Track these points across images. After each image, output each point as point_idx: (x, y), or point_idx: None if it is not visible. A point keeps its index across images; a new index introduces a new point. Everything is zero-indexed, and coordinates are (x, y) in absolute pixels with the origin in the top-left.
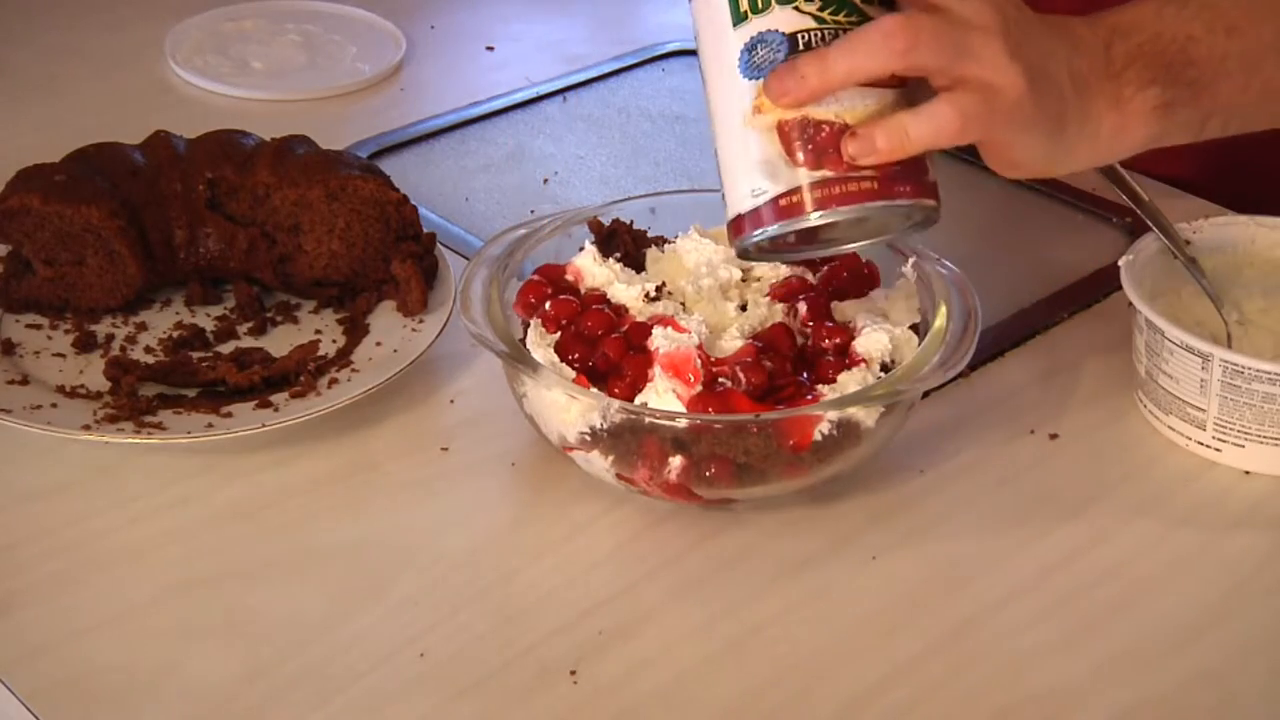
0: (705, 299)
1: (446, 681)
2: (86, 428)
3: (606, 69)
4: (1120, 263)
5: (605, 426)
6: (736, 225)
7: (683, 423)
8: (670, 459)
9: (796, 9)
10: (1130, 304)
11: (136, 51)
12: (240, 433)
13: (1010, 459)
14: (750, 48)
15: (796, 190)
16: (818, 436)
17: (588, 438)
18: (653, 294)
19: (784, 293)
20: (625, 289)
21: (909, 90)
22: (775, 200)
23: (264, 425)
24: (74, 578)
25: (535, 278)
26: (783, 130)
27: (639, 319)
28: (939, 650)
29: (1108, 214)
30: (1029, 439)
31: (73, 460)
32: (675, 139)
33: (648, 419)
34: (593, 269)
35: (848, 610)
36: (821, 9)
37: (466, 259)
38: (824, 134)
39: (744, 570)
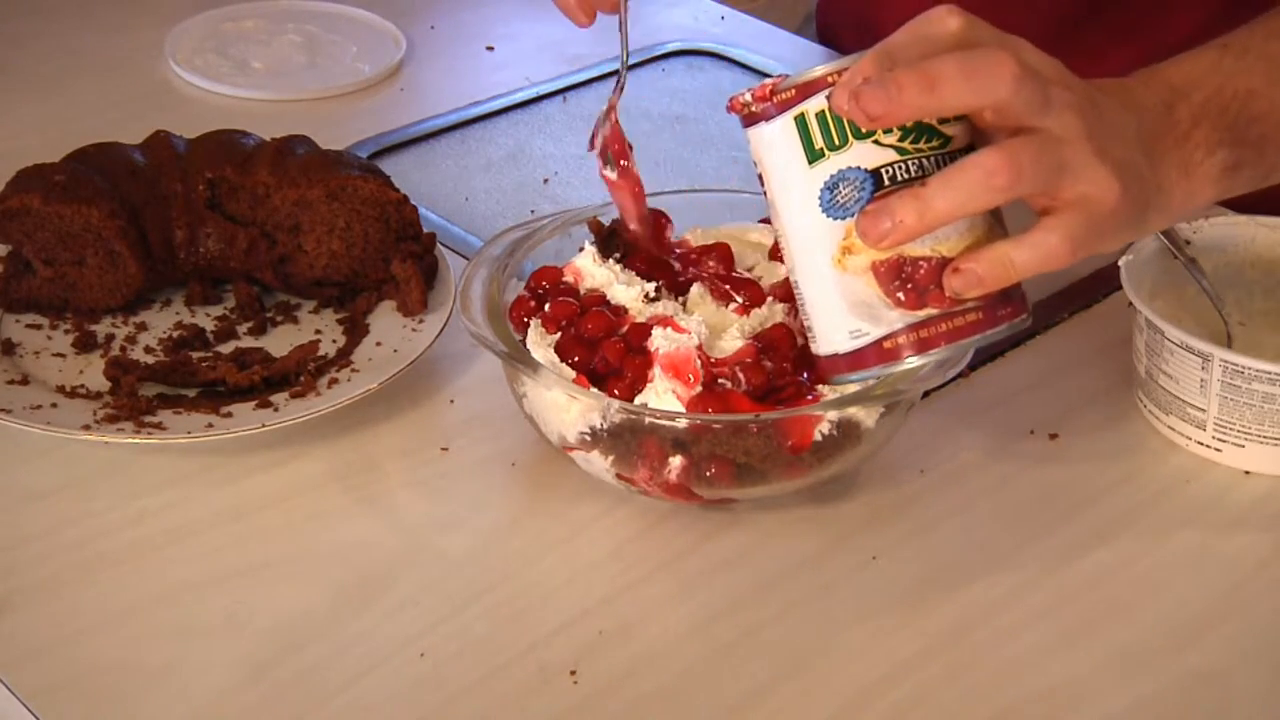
0: (705, 300)
1: (446, 681)
2: (86, 428)
3: (606, 69)
4: (1120, 263)
5: (605, 426)
6: (832, 364)
7: (683, 423)
8: (670, 459)
9: (876, 143)
10: (1130, 304)
11: (136, 51)
12: (240, 433)
13: (1010, 459)
14: (831, 187)
15: (900, 332)
16: (818, 436)
17: (588, 438)
18: (652, 294)
19: (785, 293)
20: (625, 290)
21: (996, 211)
22: (879, 343)
23: (264, 425)
24: (74, 578)
25: (524, 293)
26: (878, 271)
27: (638, 320)
28: (939, 650)
29: None
30: (1029, 439)
31: (73, 460)
32: (675, 139)
33: (648, 419)
34: (592, 269)
35: (848, 610)
36: (902, 139)
37: (466, 259)
38: (922, 271)
39: (744, 570)
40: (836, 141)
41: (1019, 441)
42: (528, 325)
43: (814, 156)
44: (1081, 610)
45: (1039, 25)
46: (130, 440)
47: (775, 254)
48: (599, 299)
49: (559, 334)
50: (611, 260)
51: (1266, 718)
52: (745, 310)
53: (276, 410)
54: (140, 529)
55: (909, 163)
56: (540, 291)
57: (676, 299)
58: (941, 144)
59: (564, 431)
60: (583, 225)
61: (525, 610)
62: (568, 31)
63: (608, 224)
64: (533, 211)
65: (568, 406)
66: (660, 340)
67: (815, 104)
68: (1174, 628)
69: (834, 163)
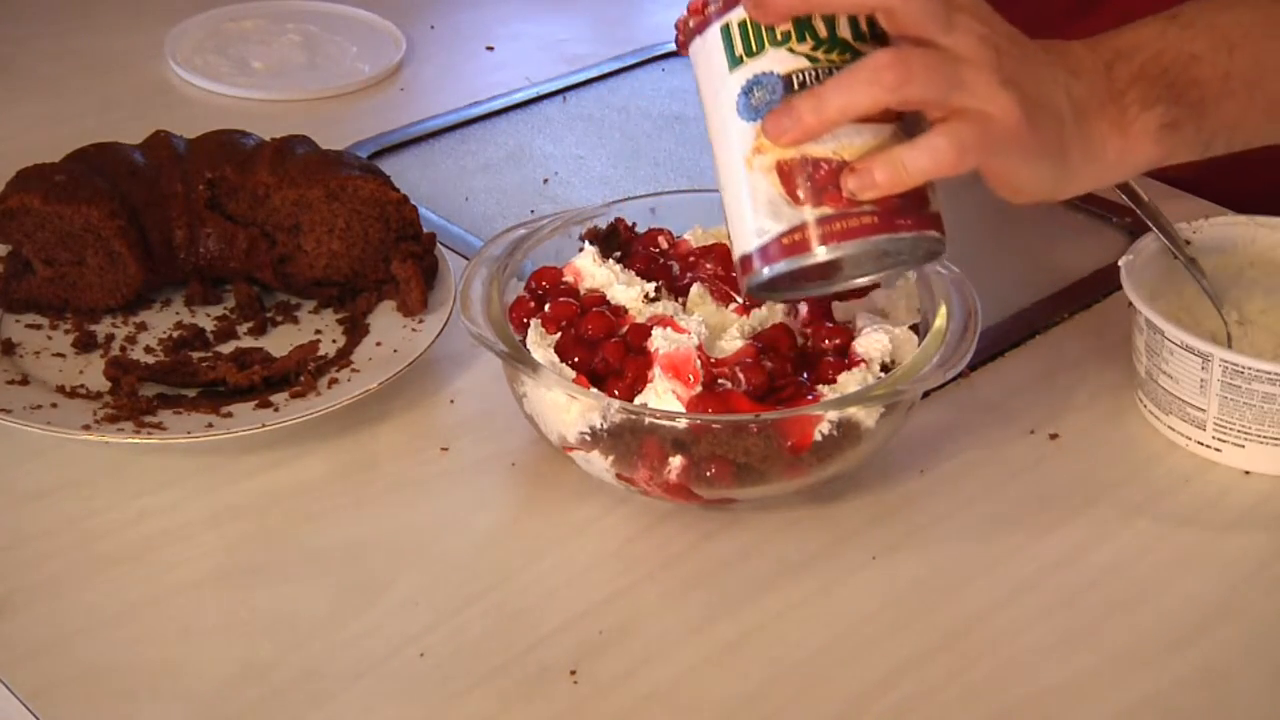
0: (705, 300)
1: (446, 681)
2: (86, 428)
3: (606, 69)
4: (1120, 263)
5: (605, 426)
6: (744, 264)
7: (683, 423)
8: (670, 459)
9: (790, 50)
10: (1130, 304)
11: (136, 51)
12: (240, 433)
13: (1010, 459)
14: (747, 90)
15: (799, 228)
16: (818, 437)
17: (588, 438)
18: (652, 294)
19: None
20: (625, 290)
21: (905, 124)
22: (779, 239)
23: (264, 425)
24: (74, 578)
25: (523, 293)
26: (782, 169)
27: (638, 320)
28: (939, 650)
29: (1108, 214)
30: (1029, 439)
31: (73, 460)
32: (675, 139)
33: (648, 419)
34: (592, 270)
35: (848, 610)
36: (814, 49)
37: (466, 259)
38: (823, 171)
39: (744, 570)
40: (754, 48)
41: (1019, 441)
42: (528, 325)
43: (734, 63)
44: (1081, 610)
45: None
46: (130, 440)
47: None
48: (599, 299)
49: (559, 334)
50: (611, 260)
51: (1266, 718)
52: (745, 310)
53: (276, 410)
54: (140, 529)
55: (819, 70)
56: (540, 292)
57: (676, 299)
58: (853, 57)
59: (564, 431)
60: (583, 225)
61: (525, 610)
62: (568, 31)
63: (606, 225)
64: (533, 211)
65: (568, 406)
66: (660, 340)
67: (738, 13)
68: (1174, 628)
69: (750, 68)
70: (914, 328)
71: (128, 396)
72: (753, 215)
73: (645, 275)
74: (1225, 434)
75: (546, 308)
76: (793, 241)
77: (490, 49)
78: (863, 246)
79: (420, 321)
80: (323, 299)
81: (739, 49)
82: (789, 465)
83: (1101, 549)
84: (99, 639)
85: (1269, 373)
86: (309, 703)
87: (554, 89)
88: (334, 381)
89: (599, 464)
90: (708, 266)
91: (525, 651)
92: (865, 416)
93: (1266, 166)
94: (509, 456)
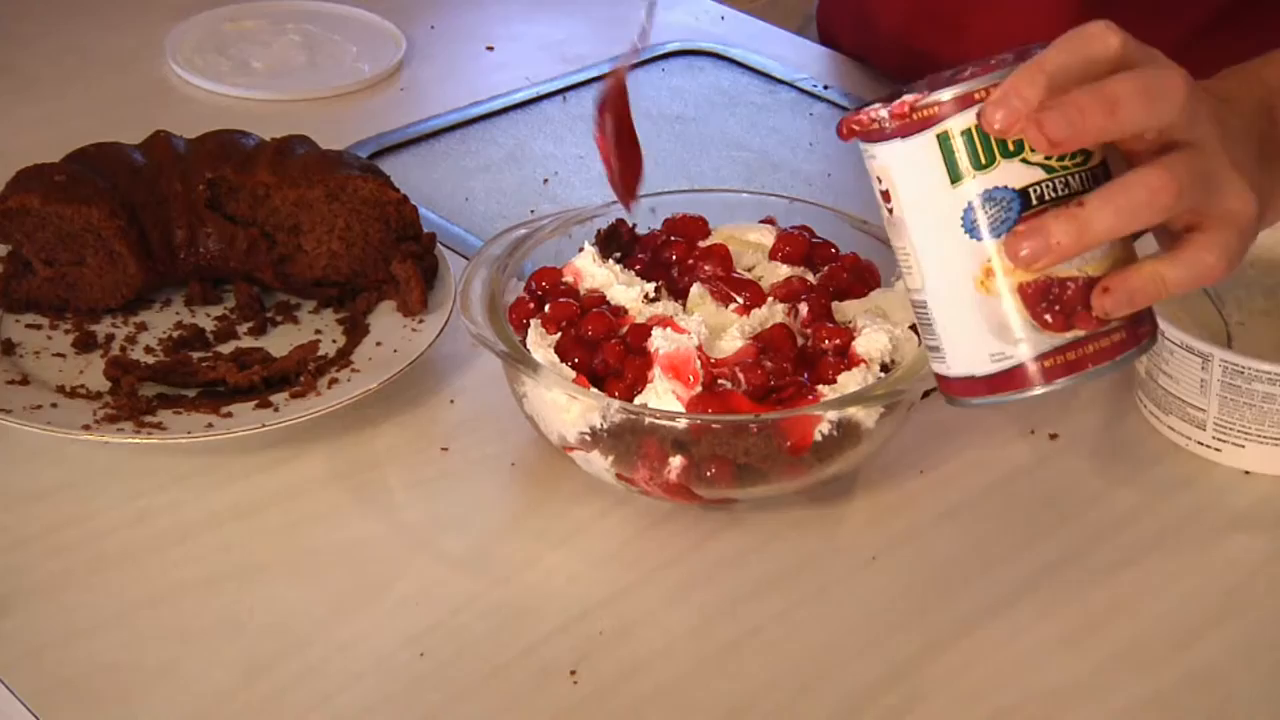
0: (705, 300)
1: (446, 681)
2: (86, 428)
3: (606, 69)
4: None
5: (605, 427)
6: (968, 386)
7: (683, 423)
8: (670, 459)
9: (1024, 161)
10: None
11: (136, 51)
12: (240, 433)
13: (1010, 459)
14: (977, 207)
15: (1047, 354)
16: (818, 436)
17: (588, 438)
18: (652, 295)
19: (785, 293)
20: (625, 290)
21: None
22: (1023, 366)
23: (264, 425)
24: (74, 578)
25: (523, 294)
26: (1025, 293)
27: (638, 320)
28: (939, 650)
29: None
30: (1029, 439)
31: (73, 460)
32: (675, 139)
33: (648, 419)
34: (592, 270)
35: (848, 610)
36: (1048, 157)
37: (466, 259)
38: (1070, 293)
39: (744, 570)
40: (983, 161)
41: (1019, 441)
42: (528, 326)
43: (957, 176)
44: (1081, 610)
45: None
46: (130, 440)
47: (775, 254)
48: (599, 299)
49: (559, 334)
50: (611, 260)
51: (1266, 718)
52: (745, 310)
53: (276, 410)
54: (140, 529)
55: (1056, 181)
56: (540, 292)
57: (676, 299)
58: (1084, 159)
59: (564, 431)
60: (583, 225)
61: (525, 610)
62: (568, 31)
63: (607, 225)
64: (533, 211)
65: (568, 406)
66: (660, 341)
67: (961, 121)
68: (1174, 628)
69: (980, 182)
70: (914, 328)
71: (128, 396)
72: (985, 339)
73: (645, 275)
74: (1225, 434)
75: (546, 308)
76: (1039, 369)
77: (490, 49)
78: (1110, 367)
79: (420, 321)
80: (323, 299)
81: (964, 161)
82: (789, 465)
83: (1101, 549)
84: (99, 639)
85: (1269, 373)
86: (309, 703)
87: (554, 89)
88: (334, 381)
89: (599, 464)
90: (708, 266)
91: (525, 651)
92: (865, 416)
93: None
94: (509, 456)
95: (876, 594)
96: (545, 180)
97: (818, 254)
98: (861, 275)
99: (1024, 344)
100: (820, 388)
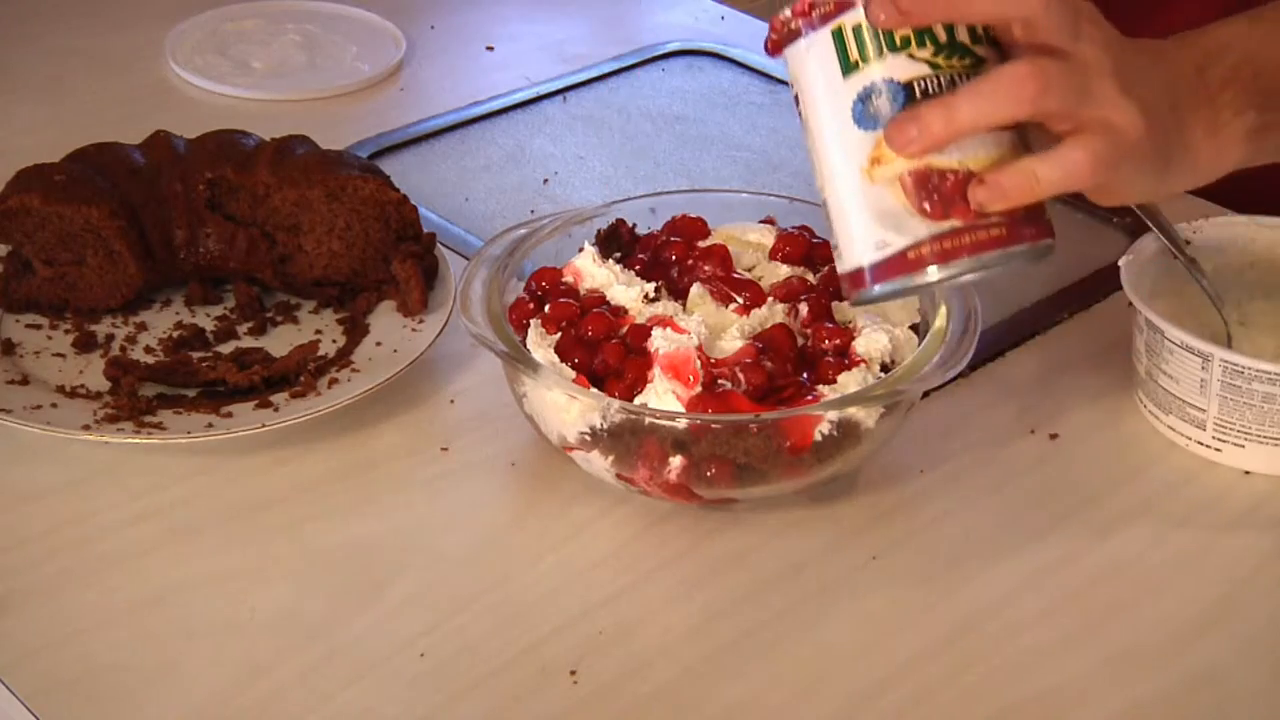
0: (705, 300)
1: (446, 681)
2: (86, 428)
3: (606, 69)
4: (1120, 263)
5: (605, 426)
6: (856, 277)
7: (683, 423)
8: (670, 459)
9: (910, 56)
10: (1130, 304)
11: (136, 51)
12: (240, 433)
13: (1010, 459)
14: (864, 98)
15: (925, 242)
16: (818, 437)
17: (588, 438)
18: (652, 295)
19: (785, 293)
20: (625, 290)
21: (1022, 132)
22: (903, 253)
23: (264, 425)
24: (74, 578)
25: (523, 295)
26: (905, 181)
27: (638, 320)
28: (939, 650)
29: (1108, 214)
30: (1029, 439)
31: (73, 460)
32: (675, 139)
33: (648, 419)
34: (592, 270)
35: (848, 610)
36: (935, 54)
37: (466, 259)
38: (949, 183)
39: (744, 570)
40: (871, 54)
41: (1019, 441)
42: (528, 326)
43: (848, 69)
44: (1081, 610)
45: None
46: (130, 440)
47: (775, 254)
48: (599, 299)
49: (559, 334)
50: (611, 260)
51: (1266, 718)
52: (745, 310)
53: (276, 410)
54: (140, 529)
55: (940, 77)
56: (540, 292)
57: (676, 299)
58: (974, 63)
59: (564, 431)
60: (583, 225)
61: (525, 610)
62: (568, 31)
63: (607, 225)
64: (533, 211)
65: (568, 406)
66: (660, 341)
67: (852, 17)
68: (1174, 628)
69: (867, 74)
70: (914, 328)
71: (128, 396)
72: (870, 227)
73: (645, 275)
74: (1225, 434)
75: (546, 308)
76: (917, 256)
77: (490, 49)
78: (989, 259)
79: (420, 321)
80: (323, 299)
81: (854, 54)
82: (789, 465)
83: (1101, 549)
84: (99, 639)
85: (1269, 373)
86: (309, 703)
87: (554, 89)
88: (334, 381)
89: (599, 464)
90: (708, 266)
91: (525, 651)
92: (865, 416)
93: (1267, 167)
94: (509, 456)
95: (876, 594)
96: (545, 180)
97: (818, 254)
98: None
99: (906, 232)
100: (820, 388)
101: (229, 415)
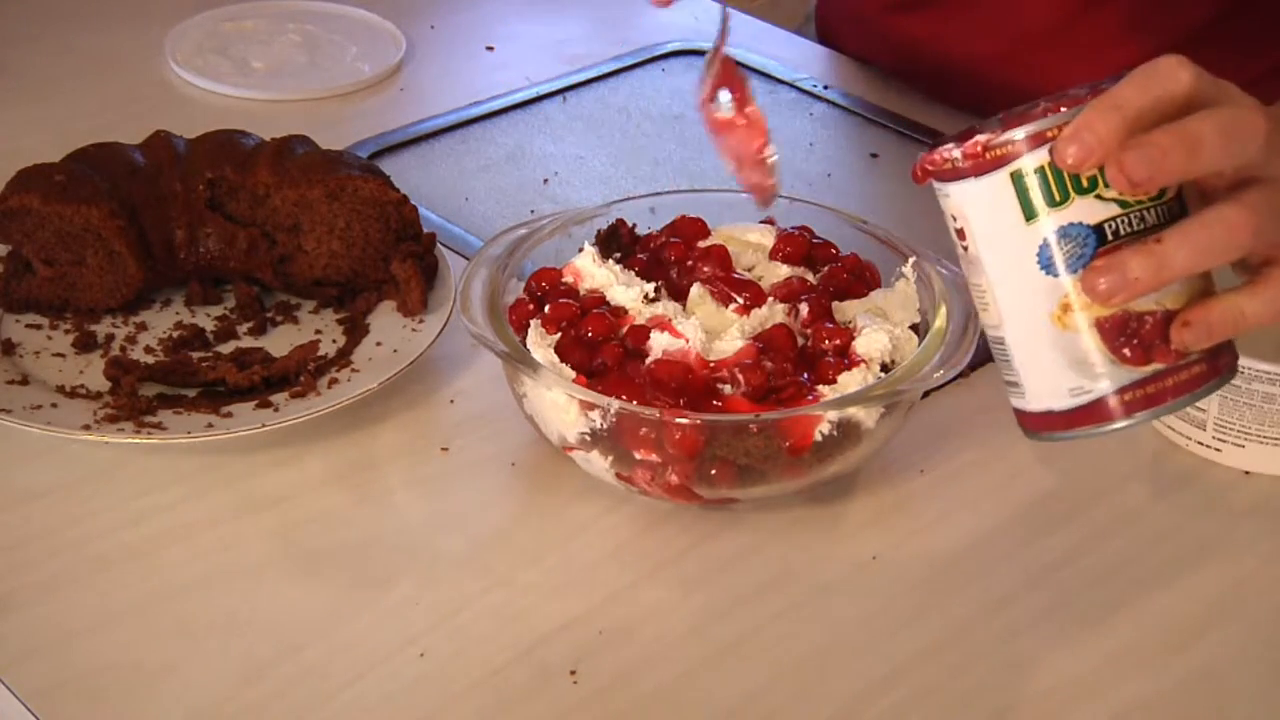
0: (705, 300)
1: (446, 681)
2: (86, 428)
3: (606, 69)
4: None
5: (605, 426)
6: (1046, 420)
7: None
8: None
9: (1099, 197)
10: None
11: (136, 51)
12: (240, 433)
13: (1010, 459)
14: (1052, 244)
15: (1126, 389)
16: (818, 437)
17: (588, 438)
18: (651, 295)
19: (785, 293)
20: (624, 290)
21: None
22: (1102, 400)
23: (264, 425)
24: (74, 578)
25: (523, 295)
26: (1102, 327)
27: (638, 321)
28: (939, 650)
29: None
30: (1029, 439)
31: (73, 460)
32: (675, 139)
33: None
34: (592, 270)
35: (848, 610)
36: (1123, 193)
37: (466, 259)
38: (1148, 326)
39: (744, 570)
40: (1057, 197)
41: (1019, 441)
42: (528, 326)
43: (1031, 213)
44: (1081, 610)
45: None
46: (130, 440)
47: (775, 254)
48: (599, 300)
49: (559, 335)
50: (611, 260)
51: (1266, 718)
52: (745, 310)
53: (276, 410)
54: (140, 529)
55: (1131, 216)
56: (540, 293)
57: (676, 300)
58: (1160, 195)
59: (564, 431)
60: (583, 225)
61: (525, 610)
62: (568, 31)
63: (607, 225)
64: (533, 211)
65: (568, 406)
66: (657, 351)
67: (1034, 160)
68: (1174, 628)
69: (1054, 219)
70: (914, 328)
71: (128, 396)
72: (1063, 374)
73: (645, 275)
74: (1225, 434)
75: (546, 308)
76: (1120, 402)
77: (490, 49)
78: (1189, 398)
79: (420, 321)
80: (323, 299)
81: (1038, 198)
82: (789, 465)
83: (1101, 549)
84: (99, 639)
85: (1269, 373)
86: (309, 703)
87: (554, 89)
88: (334, 381)
89: (599, 464)
90: (707, 267)
91: (525, 651)
92: (865, 416)
93: None
94: (509, 456)
95: (876, 594)
96: (545, 180)
97: (818, 254)
98: (861, 275)
99: (1103, 379)
100: (820, 388)
101: (229, 415)
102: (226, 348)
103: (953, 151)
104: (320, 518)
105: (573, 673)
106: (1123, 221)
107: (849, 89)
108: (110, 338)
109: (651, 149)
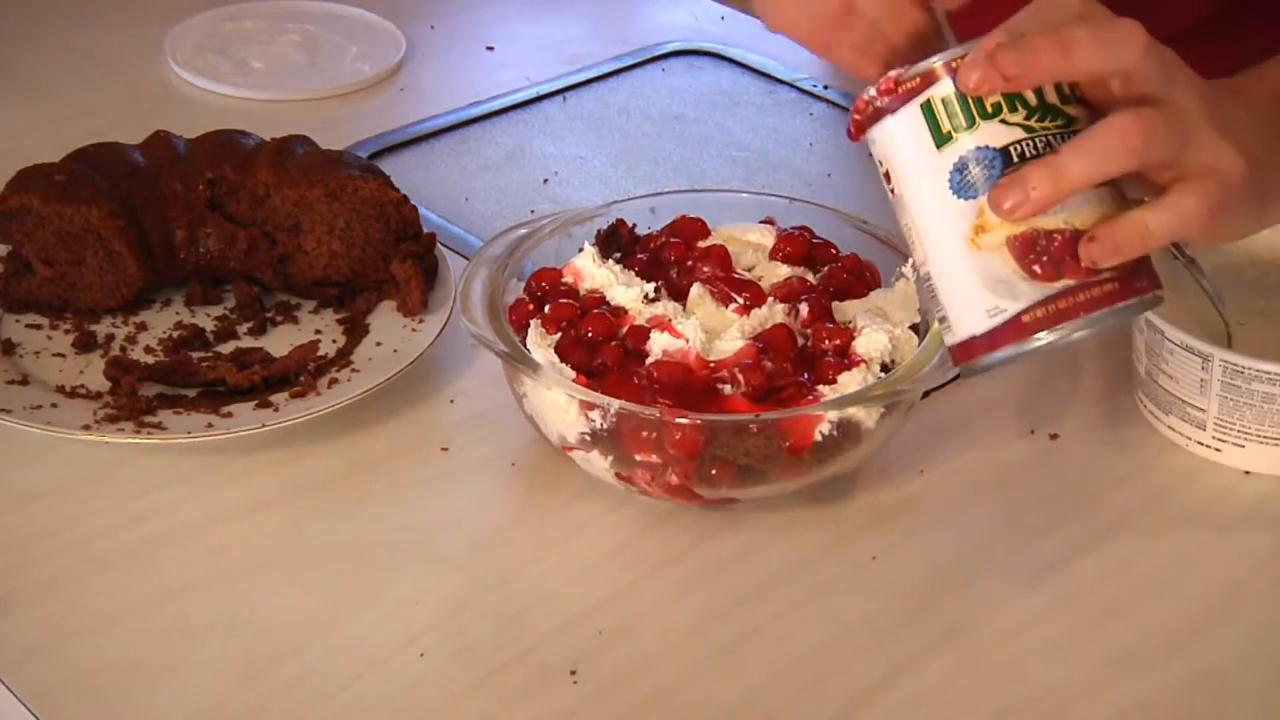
0: (705, 300)
1: (446, 681)
2: (86, 428)
3: (606, 69)
4: None
5: (605, 426)
6: (969, 347)
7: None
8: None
9: (1003, 122)
10: None
11: (136, 51)
12: (240, 433)
13: (1010, 459)
14: (961, 167)
15: (1038, 304)
16: (818, 437)
17: (588, 438)
18: (651, 295)
19: (785, 293)
20: (625, 290)
21: (1119, 186)
22: (1017, 318)
23: (264, 425)
24: (74, 578)
25: (522, 296)
26: (1013, 246)
27: (638, 321)
28: (939, 650)
29: None
30: (1029, 439)
31: (73, 460)
32: (675, 139)
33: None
34: (592, 270)
35: (848, 610)
36: (1028, 118)
37: (466, 259)
38: (1057, 243)
39: (744, 570)
40: (964, 123)
41: (1019, 441)
42: (528, 326)
43: (941, 140)
44: (1081, 610)
45: None
46: (130, 440)
47: (775, 254)
48: (599, 300)
49: (559, 335)
50: (611, 260)
51: (1266, 718)
52: (745, 310)
53: (276, 410)
54: (140, 529)
55: (1036, 140)
56: (540, 293)
57: (676, 300)
58: (1066, 123)
59: (564, 431)
60: (583, 225)
61: (525, 610)
62: (568, 31)
63: (607, 225)
64: (533, 211)
65: (568, 407)
66: (656, 351)
67: (941, 89)
68: (1174, 628)
69: (962, 144)
70: (914, 328)
71: (128, 396)
72: (980, 296)
73: (645, 275)
74: (1225, 434)
75: (546, 308)
76: (1034, 319)
77: (490, 49)
78: (1103, 316)
79: (420, 321)
80: (323, 299)
81: (945, 125)
82: (789, 465)
83: (1101, 549)
84: (99, 639)
85: (1269, 373)
86: (309, 703)
87: (554, 89)
88: (334, 381)
89: (599, 464)
90: (706, 267)
91: (525, 651)
92: (865, 416)
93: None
94: (509, 456)
95: (876, 594)
96: (545, 180)
97: (818, 254)
98: (861, 275)
99: (1017, 296)
100: (820, 388)
101: (229, 415)
102: (226, 348)
103: (870, 92)
104: (320, 518)
105: (573, 673)
106: (1028, 145)
107: (849, 89)
108: (110, 338)
109: (651, 149)
